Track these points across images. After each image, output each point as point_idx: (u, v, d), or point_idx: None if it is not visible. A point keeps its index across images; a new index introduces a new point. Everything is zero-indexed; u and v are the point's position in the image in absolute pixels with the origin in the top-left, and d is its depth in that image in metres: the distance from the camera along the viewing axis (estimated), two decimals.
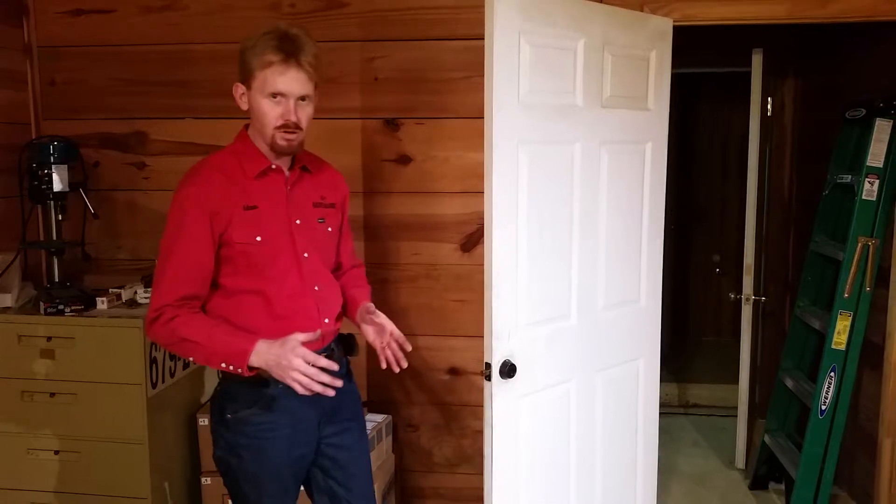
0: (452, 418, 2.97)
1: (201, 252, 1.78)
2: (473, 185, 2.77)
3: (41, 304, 2.50)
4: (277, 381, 1.78)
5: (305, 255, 1.89)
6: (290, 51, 1.75)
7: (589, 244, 2.39)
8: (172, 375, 2.59)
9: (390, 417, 2.89)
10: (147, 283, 2.76)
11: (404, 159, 2.88)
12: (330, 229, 1.99)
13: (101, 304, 2.55)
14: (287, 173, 1.90)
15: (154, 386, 2.47)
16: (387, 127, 2.86)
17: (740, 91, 3.83)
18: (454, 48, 2.77)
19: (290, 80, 1.77)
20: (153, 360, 2.47)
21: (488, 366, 2.11)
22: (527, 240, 2.18)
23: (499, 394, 2.13)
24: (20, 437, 2.50)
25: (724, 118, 5.95)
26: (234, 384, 1.85)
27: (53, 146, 2.58)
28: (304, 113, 1.82)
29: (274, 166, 1.87)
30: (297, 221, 1.89)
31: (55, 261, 2.65)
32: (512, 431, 2.20)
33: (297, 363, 1.69)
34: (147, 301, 2.60)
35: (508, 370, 2.13)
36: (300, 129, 1.81)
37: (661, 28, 2.55)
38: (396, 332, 1.94)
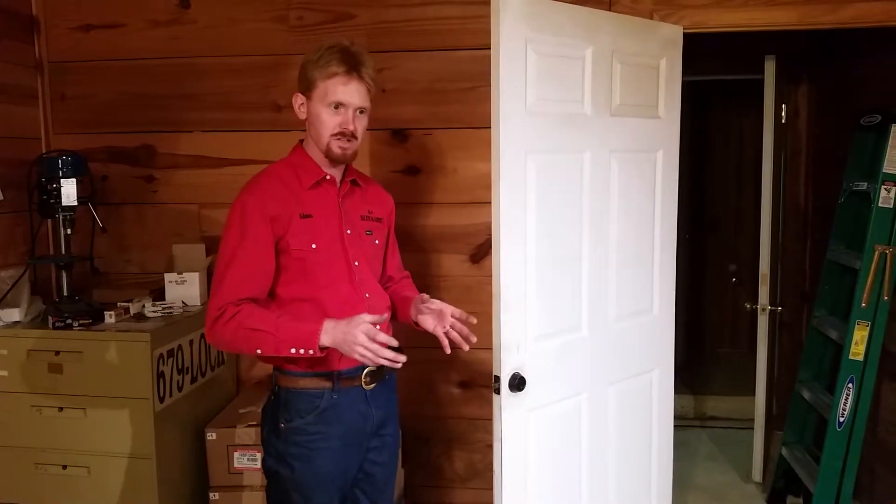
0: (463, 432, 2.94)
1: (263, 255, 1.86)
2: (482, 195, 2.74)
3: (50, 318, 2.50)
4: (332, 392, 1.89)
5: (356, 263, 1.97)
6: (353, 64, 1.87)
7: (599, 254, 2.36)
8: (180, 389, 2.58)
9: (400, 431, 2.86)
10: (156, 296, 2.76)
11: (412, 170, 2.86)
12: (377, 242, 2.08)
13: (110, 318, 2.54)
14: (339, 185, 1.99)
15: (162, 400, 2.46)
16: (394, 138, 2.85)
17: (754, 98, 3.79)
18: (461, 58, 2.76)
19: (352, 92, 1.88)
20: (161, 375, 2.46)
21: (497, 379, 2.08)
22: (535, 251, 2.15)
23: (508, 407, 2.10)
24: (28, 452, 2.49)
25: (738, 126, 5.89)
26: (290, 393, 1.91)
27: (62, 160, 2.58)
28: (361, 124, 1.93)
29: (328, 177, 1.96)
30: (348, 231, 1.97)
31: (64, 275, 2.65)
32: (522, 446, 2.16)
33: (361, 338, 1.73)
34: (155, 314, 2.62)
35: (518, 383, 2.10)
36: (355, 138, 1.92)
37: (670, 36, 2.52)
38: (456, 311, 1.96)
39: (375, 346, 1.74)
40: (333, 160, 1.94)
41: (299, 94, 1.94)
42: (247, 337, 1.81)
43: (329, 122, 1.89)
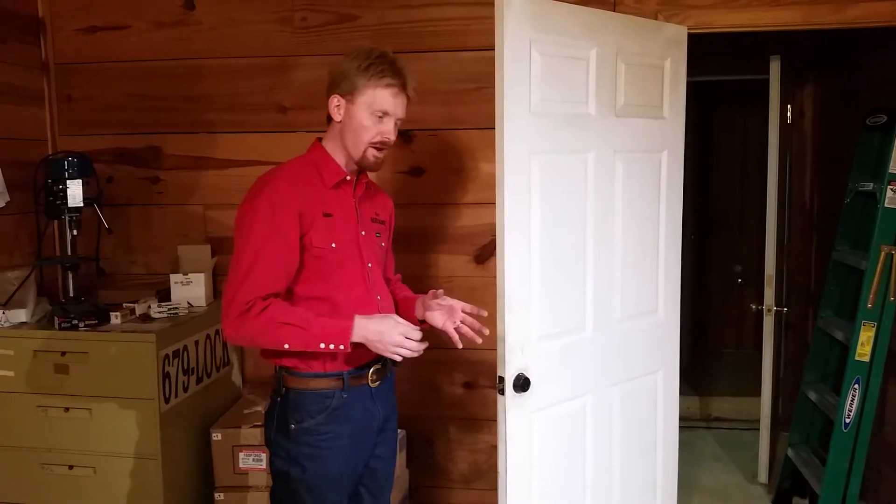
0: (467, 433, 2.94)
1: (291, 250, 1.85)
2: (486, 196, 2.74)
3: (56, 319, 2.50)
4: (342, 392, 1.90)
5: (369, 265, 1.99)
6: (404, 78, 1.92)
7: (604, 255, 2.36)
8: (186, 390, 2.59)
9: (404, 432, 2.86)
10: (161, 297, 2.76)
11: (417, 171, 2.86)
12: (383, 244, 2.11)
13: (115, 318, 2.55)
14: (354, 187, 2.01)
15: (167, 401, 2.47)
16: (399, 139, 2.82)
17: (759, 98, 3.78)
18: (465, 59, 2.76)
19: (398, 104, 1.93)
20: (166, 375, 2.46)
21: (501, 379, 2.08)
22: (540, 251, 2.15)
23: (512, 408, 2.10)
24: (34, 452, 2.50)
25: (742, 126, 5.89)
26: (299, 394, 1.91)
27: (68, 161, 2.59)
28: (395, 135, 1.96)
29: (348, 178, 1.98)
30: (363, 233, 1.99)
31: (70, 276, 2.66)
32: (526, 446, 2.16)
33: (399, 339, 1.83)
34: (161, 315, 2.62)
35: (522, 384, 2.10)
36: (388, 148, 1.95)
37: (675, 36, 2.52)
38: (467, 305, 2.00)
39: (414, 346, 1.84)
40: (365, 168, 1.98)
41: (338, 96, 1.93)
42: (276, 331, 1.80)
43: (372, 129, 1.90)
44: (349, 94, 1.91)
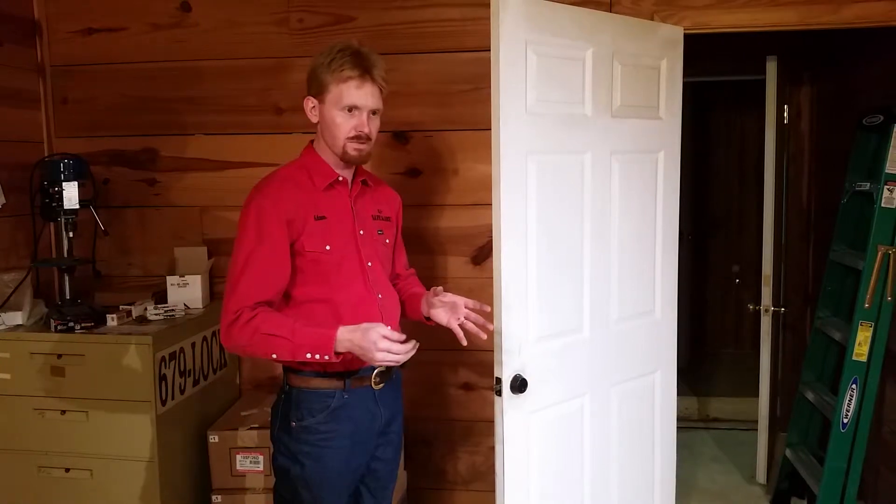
0: (465, 434, 2.93)
1: (280, 258, 1.85)
2: (483, 197, 2.74)
3: (52, 321, 2.50)
4: (343, 392, 1.91)
5: (369, 264, 1.97)
6: (365, 67, 1.88)
7: (601, 256, 2.36)
8: (182, 392, 2.58)
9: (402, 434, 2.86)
10: (158, 299, 2.76)
11: (414, 172, 2.86)
12: (388, 241, 2.08)
13: (112, 320, 2.54)
14: (350, 186, 2.00)
15: (164, 403, 2.46)
16: (395, 140, 2.85)
17: (756, 99, 3.79)
18: (462, 60, 2.76)
19: (366, 94, 1.89)
20: (163, 377, 2.46)
21: (499, 381, 2.08)
22: (536, 252, 2.15)
23: (510, 409, 2.09)
24: (31, 455, 2.49)
25: (739, 126, 5.90)
26: (301, 393, 1.92)
27: (64, 163, 2.59)
28: (374, 125, 1.94)
29: (341, 178, 1.97)
30: (361, 232, 1.98)
31: (66, 278, 2.65)
32: (523, 448, 2.16)
33: (381, 356, 1.75)
34: (158, 317, 2.62)
35: (519, 385, 2.09)
36: (370, 140, 1.92)
37: (671, 36, 2.52)
38: (470, 301, 1.98)
39: (398, 358, 1.76)
40: (349, 162, 1.95)
41: (311, 98, 1.93)
42: (263, 342, 1.80)
43: (344, 125, 1.89)
44: (319, 94, 1.91)
